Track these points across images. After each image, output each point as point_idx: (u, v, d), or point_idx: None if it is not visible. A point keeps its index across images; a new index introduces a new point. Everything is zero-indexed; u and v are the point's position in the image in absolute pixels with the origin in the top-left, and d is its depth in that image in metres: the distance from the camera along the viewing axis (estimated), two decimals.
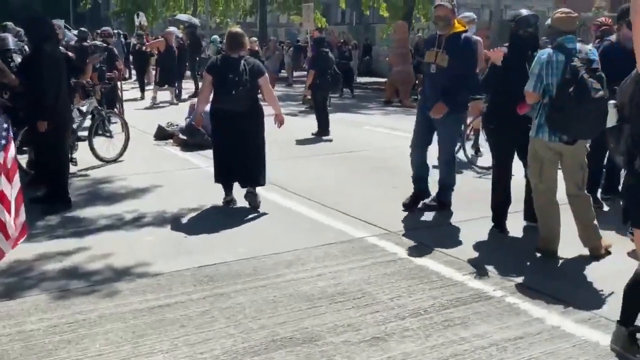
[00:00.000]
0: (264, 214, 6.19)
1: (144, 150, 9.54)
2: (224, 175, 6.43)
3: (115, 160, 8.68)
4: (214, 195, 6.70)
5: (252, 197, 6.36)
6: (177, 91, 16.98)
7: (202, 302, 4.05)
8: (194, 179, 7.74)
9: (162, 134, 10.65)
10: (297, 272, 4.59)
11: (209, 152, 9.26)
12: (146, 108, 15.16)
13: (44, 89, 5.99)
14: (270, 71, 15.13)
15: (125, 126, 9.00)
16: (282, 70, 25.69)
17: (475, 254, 5.01)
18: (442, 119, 5.84)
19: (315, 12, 33.04)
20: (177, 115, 12.92)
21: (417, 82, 15.67)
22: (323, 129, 10.98)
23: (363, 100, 17.99)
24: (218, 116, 6.27)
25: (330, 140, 10.64)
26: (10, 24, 7.62)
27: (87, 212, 6.19)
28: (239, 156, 6.25)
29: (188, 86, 17.55)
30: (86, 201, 6.63)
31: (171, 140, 10.35)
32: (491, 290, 4.25)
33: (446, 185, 6.18)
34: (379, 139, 10.70)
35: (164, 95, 16.20)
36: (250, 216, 6.13)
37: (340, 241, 5.28)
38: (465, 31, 5.99)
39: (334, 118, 13.60)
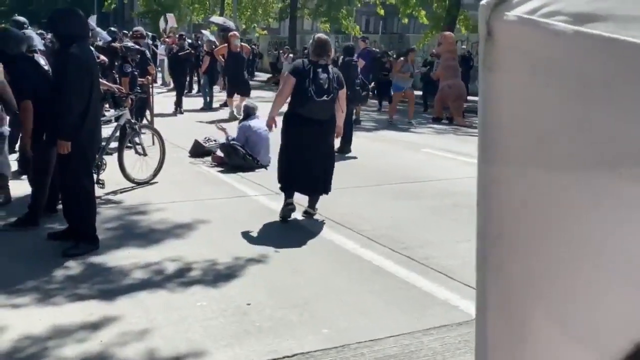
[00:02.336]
0: (339, 267, 4.90)
1: (179, 169, 8.29)
2: (293, 184, 6.20)
3: (148, 182, 7.44)
4: (274, 237, 5.48)
5: (312, 210, 6.25)
6: (208, 99, 15.79)
7: None
8: (244, 211, 6.46)
9: (198, 151, 9.40)
10: None
11: (252, 175, 8.14)
12: (170, 114, 13.97)
13: (70, 101, 4.75)
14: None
15: (160, 142, 7.75)
16: None
17: None
18: None
19: (349, 19, 32.04)
20: (209, 126, 11.74)
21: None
22: (345, 145, 9.64)
23: (406, 115, 16.67)
24: (296, 122, 6.03)
25: (355, 158, 9.48)
26: (21, 18, 6.31)
27: (119, 258, 4.93)
28: (313, 164, 6.10)
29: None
30: (117, 240, 5.37)
31: (209, 158, 9.11)
32: None
33: None
34: (445, 166, 9.37)
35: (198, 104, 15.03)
36: (323, 268, 4.84)
37: (455, 323, 3.96)
38: None
39: (380, 136, 12.38)
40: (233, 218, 6.20)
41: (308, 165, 6.09)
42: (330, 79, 6.01)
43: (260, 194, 7.19)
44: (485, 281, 1.31)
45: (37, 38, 7.12)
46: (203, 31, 20.64)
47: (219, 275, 4.65)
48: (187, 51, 15.50)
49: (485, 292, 1.32)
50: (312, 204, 6.32)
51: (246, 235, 5.67)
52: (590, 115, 1.04)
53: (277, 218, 6.20)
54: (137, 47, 10.54)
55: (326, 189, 6.30)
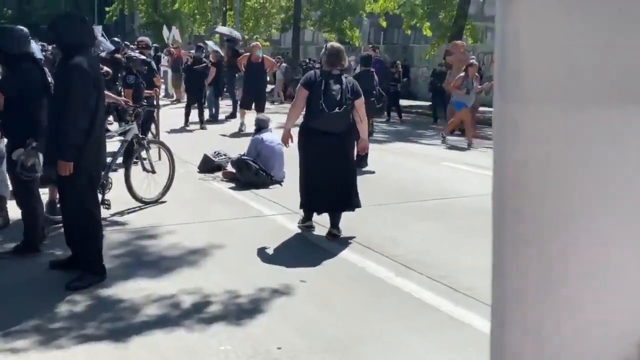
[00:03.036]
0: (374, 299, 4.40)
1: (188, 187, 7.79)
2: (315, 202, 5.92)
3: (157, 201, 6.95)
4: (297, 263, 5.00)
5: (336, 231, 5.83)
6: (213, 110, 15.34)
7: None
8: (262, 233, 5.96)
9: (207, 166, 8.90)
10: None
11: (266, 193, 7.65)
12: (178, 129, 13.48)
13: (74, 117, 4.26)
14: None
15: (170, 158, 7.25)
16: None
17: None
18: None
19: (353, 30, 31.61)
20: (213, 139, 11.31)
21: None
22: (361, 159, 9.12)
23: (417, 127, 16.24)
24: (311, 136, 5.75)
25: (372, 172, 8.97)
26: (24, 29, 5.82)
27: (129, 290, 4.42)
28: (334, 179, 5.80)
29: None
30: (125, 269, 4.87)
31: (219, 174, 8.61)
32: None
33: None
34: (469, 180, 8.88)
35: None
36: (357, 301, 4.33)
37: None
38: None
39: (393, 148, 11.91)
40: (250, 241, 5.68)
41: (328, 181, 5.79)
42: (343, 90, 5.69)
43: (277, 213, 6.69)
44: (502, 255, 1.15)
45: (37, 49, 6.63)
46: (207, 41, 20.20)
47: (241, 311, 4.14)
48: (204, 64, 14.51)
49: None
50: (335, 223, 5.88)
51: (267, 261, 5.18)
52: (624, 45, 0.98)
53: (298, 240, 5.71)
54: (142, 57, 10.05)
55: (352, 203, 5.93)
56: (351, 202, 5.91)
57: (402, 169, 9.61)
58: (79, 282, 4.42)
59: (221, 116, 15.63)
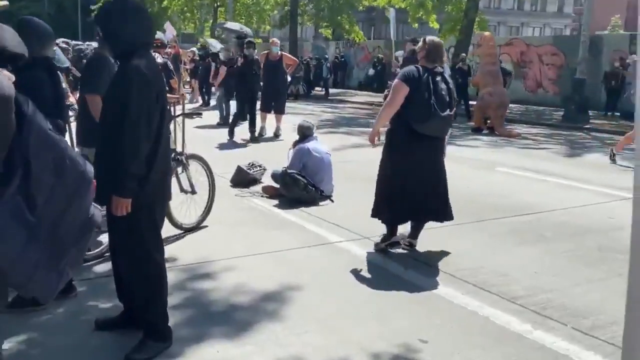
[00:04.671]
0: None
1: (227, 205, 6.72)
2: (408, 213, 5.34)
3: (198, 226, 5.89)
4: (404, 313, 3.96)
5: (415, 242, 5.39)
6: (224, 113, 14.24)
7: None
8: (337, 268, 4.92)
9: (242, 179, 7.85)
10: None
11: (321, 212, 6.52)
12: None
13: (132, 139, 3.19)
14: None
15: (209, 175, 6.19)
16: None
17: None
18: None
19: (355, 24, 30.58)
20: (236, 145, 10.27)
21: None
22: None
23: None
24: (414, 139, 5.13)
25: None
26: (44, 26, 4.68)
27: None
28: (436, 187, 5.30)
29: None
30: (192, 327, 3.80)
31: (256, 188, 7.56)
32: None
33: None
34: (539, 189, 7.89)
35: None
36: None
37: None
38: None
39: None
40: (330, 280, 4.66)
41: (428, 189, 5.27)
42: (450, 89, 5.24)
43: (346, 240, 5.65)
44: None
45: (59, 53, 5.50)
46: (209, 40, 19.08)
47: None
48: (253, 68, 12.11)
49: None
50: (418, 234, 5.44)
51: (363, 310, 4.14)
52: None
53: (384, 277, 4.71)
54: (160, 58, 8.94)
55: (450, 212, 5.45)
56: (449, 210, 5.42)
57: (456, 176, 8.55)
58: (142, 354, 3.37)
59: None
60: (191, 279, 4.63)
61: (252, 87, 11.82)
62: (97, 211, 2.90)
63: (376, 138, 5.31)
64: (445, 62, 5.35)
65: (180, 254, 5.16)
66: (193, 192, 5.87)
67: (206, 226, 5.96)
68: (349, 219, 6.12)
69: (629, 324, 1.88)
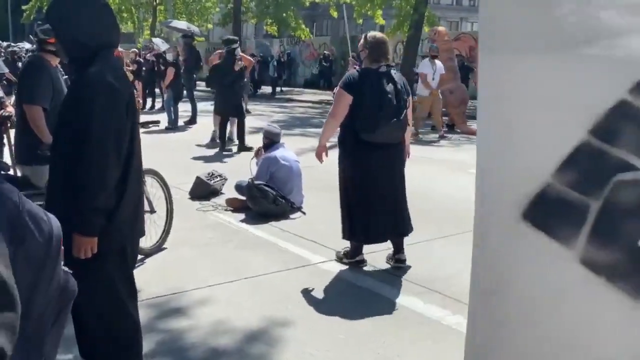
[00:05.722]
0: None
1: (189, 222, 6.08)
2: (374, 231, 4.85)
3: (159, 249, 5.25)
4: (406, 344, 3.44)
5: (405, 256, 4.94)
6: (172, 116, 13.47)
7: None
8: (327, 295, 4.39)
9: (202, 191, 7.20)
10: None
11: (294, 227, 5.92)
12: None
13: (98, 165, 2.56)
14: None
15: (166, 191, 5.54)
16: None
17: None
18: None
19: (298, 22, 29.99)
20: (190, 152, 9.59)
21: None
22: None
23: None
24: (365, 150, 4.73)
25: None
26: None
27: None
28: (394, 199, 4.88)
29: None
30: None
31: (219, 201, 6.94)
32: None
33: None
34: None
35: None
36: None
37: None
38: None
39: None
40: (322, 310, 4.11)
41: (388, 202, 4.86)
42: (399, 90, 4.76)
43: (328, 259, 5.12)
44: None
45: None
46: (154, 39, 18.17)
47: None
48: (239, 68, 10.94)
49: None
50: (402, 247, 4.97)
51: (368, 352, 3.61)
52: None
53: (384, 304, 4.20)
54: None
55: (409, 225, 4.99)
56: (407, 224, 4.96)
57: (435, 182, 8.13)
58: None
59: (180, 122, 13.79)
60: (161, 316, 4.00)
61: (238, 91, 11.03)
62: (71, 277, 2.27)
63: (324, 154, 4.92)
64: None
65: (144, 284, 4.48)
66: (152, 211, 5.22)
67: (166, 248, 5.32)
68: (327, 234, 5.58)
69: (472, 298, 2.03)
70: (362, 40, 4.94)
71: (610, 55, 1.75)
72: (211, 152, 10.49)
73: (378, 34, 4.98)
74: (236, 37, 12.19)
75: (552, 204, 1.84)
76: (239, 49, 10.84)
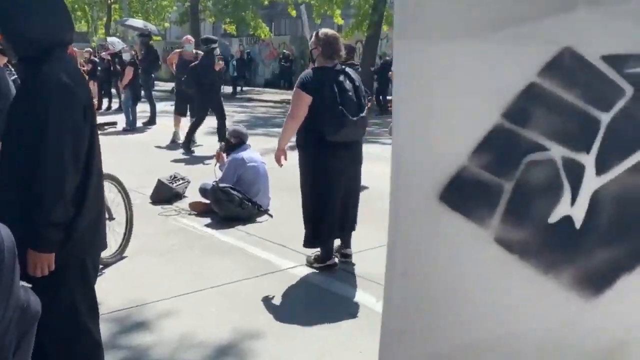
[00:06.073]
0: None
1: (151, 228, 5.83)
2: (337, 230, 4.79)
3: (120, 258, 4.99)
4: None
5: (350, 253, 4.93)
6: (130, 117, 13.08)
7: None
8: (295, 301, 4.21)
9: (163, 194, 6.92)
10: None
11: (262, 230, 5.71)
12: None
13: (54, 173, 2.31)
14: None
15: (125, 197, 5.27)
16: None
17: None
18: None
19: (257, 20, 29.66)
20: (150, 154, 9.30)
21: None
22: None
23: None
24: (329, 149, 4.59)
25: (367, 187, 7.30)
26: None
27: None
28: (354, 196, 4.87)
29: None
30: None
31: (181, 204, 6.68)
32: None
33: None
34: None
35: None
36: None
37: None
38: None
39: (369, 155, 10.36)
40: (295, 320, 3.92)
41: (349, 200, 4.83)
42: (357, 87, 4.70)
43: (298, 264, 4.93)
44: None
45: None
46: (109, 38, 17.65)
47: None
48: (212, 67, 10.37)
49: None
50: (349, 242, 5.01)
51: (340, 356, 3.44)
52: None
53: (364, 311, 4.03)
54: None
55: (356, 223, 5.01)
56: (356, 219, 4.98)
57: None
58: None
59: (139, 123, 13.41)
60: (123, 331, 3.76)
61: (219, 91, 10.67)
62: (33, 295, 2.05)
63: (282, 157, 4.82)
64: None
65: (103, 297, 4.20)
66: (111, 217, 4.94)
67: (126, 257, 5.06)
68: (296, 237, 5.34)
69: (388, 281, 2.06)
70: (313, 38, 4.84)
71: (519, 39, 1.79)
72: (172, 153, 10.18)
73: (329, 31, 4.87)
74: (215, 37, 11.86)
75: (468, 185, 1.88)
76: (218, 49, 10.52)
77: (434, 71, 1.87)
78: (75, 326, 2.54)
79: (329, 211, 4.69)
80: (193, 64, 10.27)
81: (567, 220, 1.87)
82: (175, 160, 9.45)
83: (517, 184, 1.86)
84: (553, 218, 1.87)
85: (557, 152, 1.84)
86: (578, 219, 1.86)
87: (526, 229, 1.88)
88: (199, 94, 10.13)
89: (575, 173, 1.85)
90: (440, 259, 1.96)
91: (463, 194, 1.90)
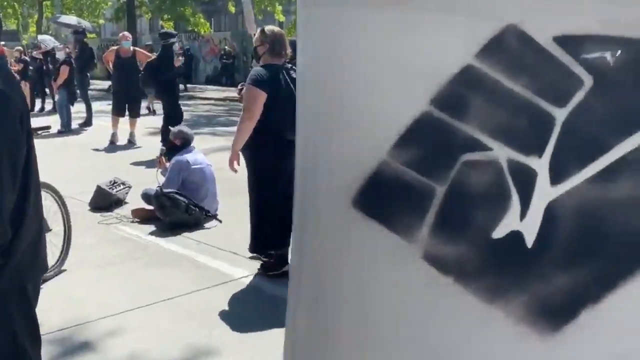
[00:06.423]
0: None
1: (91, 238, 5.48)
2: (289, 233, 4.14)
3: (59, 272, 4.65)
4: None
5: None
6: (66, 118, 12.51)
7: None
8: (251, 313, 3.97)
9: (103, 201, 6.55)
10: None
11: (211, 237, 5.45)
12: None
13: None
14: None
15: (62, 206, 4.92)
16: None
17: None
18: None
19: (197, 16, 29.11)
20: (85, 158, 8.88)
21: None
22: None
23: None
24: (288, 149, 3.80)
25: None
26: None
27: None
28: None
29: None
30: None
31: (123, 212, 6.34)
32: None
33: None
34: None
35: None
36: None
37: None
38: None
39: None
40: (253, 334, 3.69)
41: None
42: None
43: (251, 273, 4.69)
44: None
45: None
46: (40, 36, 16.89)
47: None
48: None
49: None
50: None
51: None
52: None
53: None
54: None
55: None
56: None
57: None
58: None
59: (74, 125, 12.85)
60: (65, 353, 3.46)
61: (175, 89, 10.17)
62: None
63: (236, 162, 4.60)
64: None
65: (43, 316, 3.86)
66: (47, 229, 4.59)
67: (65, 270, 4.72)
68: (247, 244, 5.14)
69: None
70: (258, 35, 4.68)
71: (452, 11, 1.45)
72: (111, 156, 9.75)
73: (276, 28, 4.81)
74: (174, 32, 11.44)
75: (388, 187, 1.54)
76: (177, 44, 10.10)
77: (347, 45, 1.56)
78: (13, 354, 2.25)
79: (286, 214, 4.48)
80: (150, 59, 9.87)
81: (516, 236, 1.52)
82: (115, 164, 9.03)
83: (451, 188, 1.52)
84: (498, 233, 1.52)
85: (502, 153, 1.49)
86: (530, 236, 1.51)
87: (463, 244, 1.53)
88: (160, 91, 9.70)
89: (525, 180, 1.50)
90: (355, 281, 1.61)
91: (382, 198, 1.57)
